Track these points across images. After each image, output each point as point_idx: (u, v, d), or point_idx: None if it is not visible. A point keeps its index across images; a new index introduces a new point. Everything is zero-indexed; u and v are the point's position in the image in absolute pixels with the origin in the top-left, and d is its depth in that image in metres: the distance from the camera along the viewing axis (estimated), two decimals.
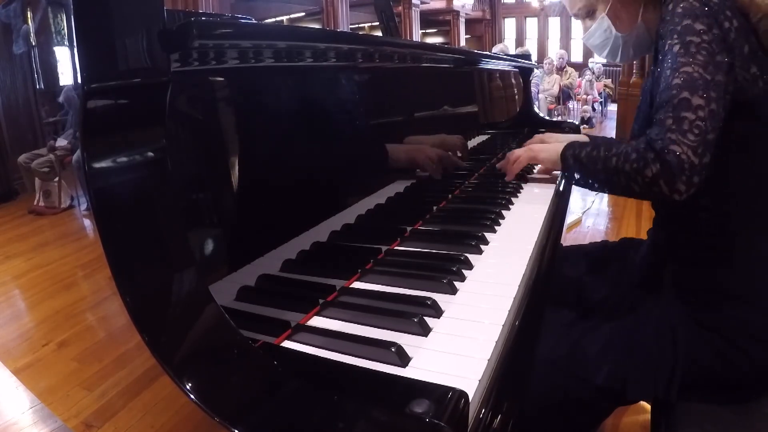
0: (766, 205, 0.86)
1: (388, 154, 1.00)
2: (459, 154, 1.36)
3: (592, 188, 0.98)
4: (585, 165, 0.94)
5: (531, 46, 12.96)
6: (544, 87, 8.46)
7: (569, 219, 3.25)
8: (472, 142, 1.56)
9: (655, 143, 0.77)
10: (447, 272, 0.75)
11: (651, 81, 0.91)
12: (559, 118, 5.10)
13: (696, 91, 0.76)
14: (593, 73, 9.22)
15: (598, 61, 10.12)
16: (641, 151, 0.79)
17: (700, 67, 0.77)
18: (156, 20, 0.49)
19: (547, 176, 1.37)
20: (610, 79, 10.02)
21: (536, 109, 2.38)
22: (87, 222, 0.60)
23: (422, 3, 9.01)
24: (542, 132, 2.14)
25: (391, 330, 0.61)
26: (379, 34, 2.32)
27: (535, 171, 1.46)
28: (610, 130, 7.82)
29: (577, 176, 0.99)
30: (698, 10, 0.80)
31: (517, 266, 0.79)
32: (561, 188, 1.27)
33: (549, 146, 1.18)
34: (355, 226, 0.85)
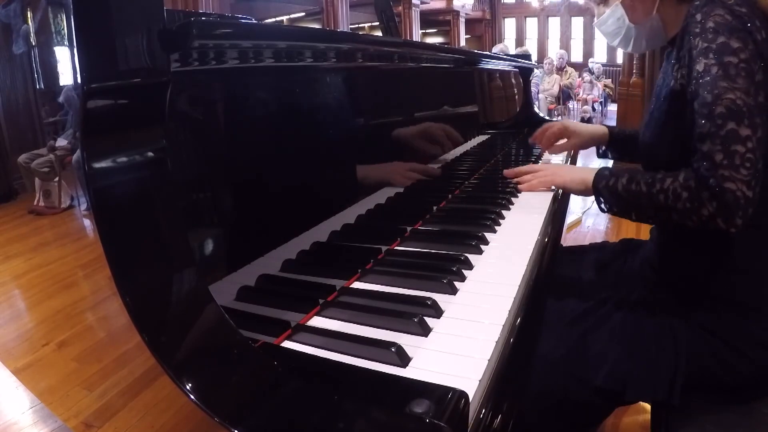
0: None
1: (360, 176, 0.94)
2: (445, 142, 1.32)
3: (628, 218, 0.92)
4: (624, 198, 0.88)
5: (531, 46, 12.95)
6: (544, 87, 8.46)
7: (569, 219, 3.25)
8: (472, 142, 1.56)
9: (708, 180, 0.74)
10: (447, 272, 0.75)
11: (665, 86, 0.90)
12: (559, 118, 5.10)
13: (742, 120, 0.73)
14: (592, 73, 9.21)
15: (597, 61, 10.13)
16: (693, 189, 0.76)
17: (742, 92, 0.74)
18: (156, 20, 0.49)
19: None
20: (610, 79, 10.01)
21: (536, 109, 2.38)
22: (87, 222, 0.60)
23: (422, 3, 9.01)
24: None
25: (391, 330, 0.61)
26: (379, 34, 2.32)
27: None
28: None
29: (611, 207, 0.93)
30: (731, 24, 0.77)
31: (517, 266, 0.79)
32: None
33: (574, 173, 1.09)
34: (355, 226, 0.85)
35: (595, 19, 1.08)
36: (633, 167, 0.97)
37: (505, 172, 1.29)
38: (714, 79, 0.76)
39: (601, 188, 0.93)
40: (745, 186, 0.73)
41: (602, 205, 0.96)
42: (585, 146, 1.44)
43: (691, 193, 0.77)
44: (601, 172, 0.95)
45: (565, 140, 1.42)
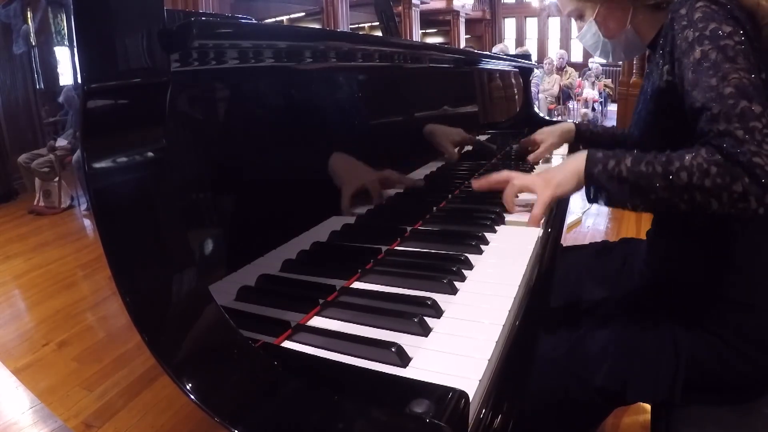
0: None
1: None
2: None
3: (626, 208, 0.80)
4: (631, 183, 0.76)
5: (531, 46, 12.96)
6: (544, 87, 8.46)
7: (569, 219, 3.25)
8: None
9: (738, 156, 0.69)
10: (447, 272, 0.75)
11: (650, 86, 0.90)
12: (559, 118, 5.10)
13: (752, 98, 0.72)
14: (593, 73, 9.21)
15: (597, 61, 10.12)
16: (723, 164, 0.70)
17: (745, 72, 0.73)
18: (156, 20, 0.49)
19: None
20: (610, 79, 10.01)
21: (536, 109, 2.38)
22: (87, 222, 0.60)
23: (422, 3, 9.01)
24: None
25: (391, 330, 0.61)
26: (379, 34, 2.32)
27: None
28: None
29: (610, 196, 0.80)
30: (719, 12, 0.78)
31: (518, 266, 0.78)
32: None
33: (559, 172, 0.90)
34: (355, 226, 0.85)
35: (577, 32, 1.09)
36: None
37: (475, 185, 1.07)
38: (715, 62, 0.75)
39: (597, 174, 0.80)
40: None
41: (595, 195, 0.82)
42: (559, 144, 1.55)
43: (721, 168, 0.70)
44: (592, 156, 0.81)
45: (540, 148, 1.53)
